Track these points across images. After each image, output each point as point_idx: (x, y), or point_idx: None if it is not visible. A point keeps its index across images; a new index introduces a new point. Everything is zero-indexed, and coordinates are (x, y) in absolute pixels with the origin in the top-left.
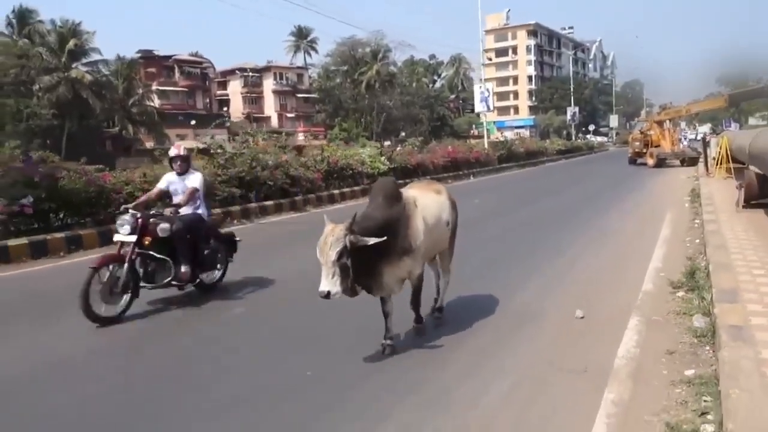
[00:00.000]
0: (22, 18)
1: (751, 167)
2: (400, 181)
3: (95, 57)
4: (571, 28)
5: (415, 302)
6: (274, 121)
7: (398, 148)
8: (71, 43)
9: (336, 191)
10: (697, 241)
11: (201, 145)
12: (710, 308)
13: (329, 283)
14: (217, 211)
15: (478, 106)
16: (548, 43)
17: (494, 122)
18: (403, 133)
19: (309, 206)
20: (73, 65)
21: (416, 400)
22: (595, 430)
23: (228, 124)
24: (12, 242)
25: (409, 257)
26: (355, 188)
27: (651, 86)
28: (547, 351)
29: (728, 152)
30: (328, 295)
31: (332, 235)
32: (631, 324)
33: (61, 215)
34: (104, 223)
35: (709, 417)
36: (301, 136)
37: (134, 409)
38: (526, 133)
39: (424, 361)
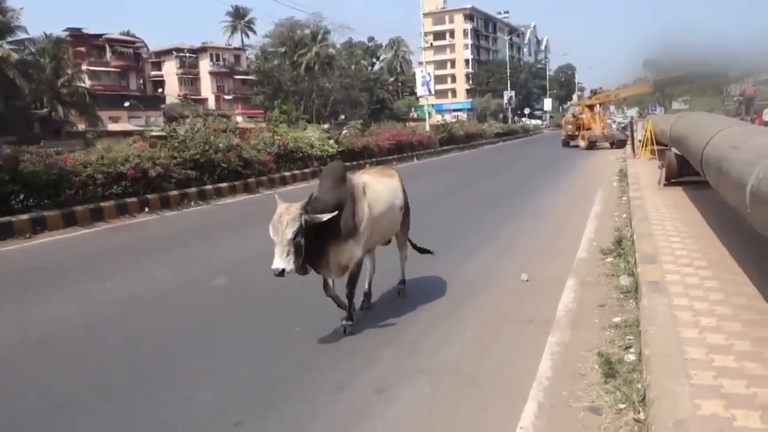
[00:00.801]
0: None
1: (672, 149)
2: (348, 164)
3: (21, 36)
4: (506, 12)
5: (350, 288)
6: (212, 103)
7: (344, 131)
8: None
9: (287, 173)
10: (624, 215)
11: (155, 131)
12: (634, 269)
13: (283, 261)
14: (174, 193)
15: (420, 90)
16: (484, 27)
17: (432, 105)
18: (342, 116)
19: (261, 188)
20: None
21: (393, 349)
22: (542, 363)
23: (163, 106)
24: None
25: (352, 240)
26: (305, 170)
27: (583, 70)
28: (498, 308)
29: (652, 135)
30: (282, 273)
31: (288, 214)
32: (569, 284)
33: (22, 197)
34: (65, 205)
35: (632, 350)
36: (239, 118)
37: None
38: (463, 116)
39: (395, 320)
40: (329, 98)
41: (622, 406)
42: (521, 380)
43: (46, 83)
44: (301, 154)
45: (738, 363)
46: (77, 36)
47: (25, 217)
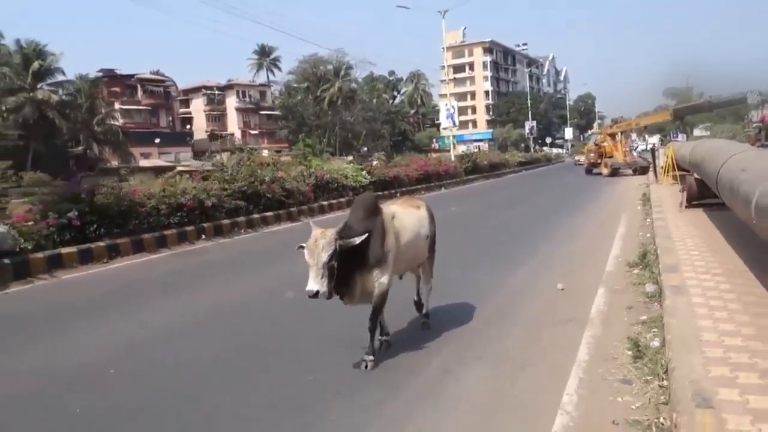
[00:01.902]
0: None
1: (692, 173)
2: (379, 193)
3: (59, 77)
4: (525, 44)
5: (373, 321)
6: (238, 138)
7: (375, 162)
8: (36, 65)
9: (325, 203)
10: (648, 235)
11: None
12: (658, 278)
13: (318, 283)
14: (226, 221)
15: (444, 122)
16: (503, 59)
17: (454, 136)
18: (365, 148)
19: (302, 216)
20: (38, 86)
21: (453, 343)
22: (580, 351)
23: (192, 141)
24: (64, 250)
25: (378, 269)
26: (341, 200)
27: (602, 99)
28: (540, 311)
29: (674, 161)
30: (316, 294)
31: (323, 238)
32: (599, 292)
33: (96, 227)
34: (134, 233)
35: (656, 339)
36: (265, 152)
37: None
38: (485, 146)
39: (452, 321)
40: (352, 131)
41: (648, 377)
42: (563, 363)
43: (82, 122)
44: (336, 185)
45: (744, 343)
46: (110, 76)
47: (102, 244)
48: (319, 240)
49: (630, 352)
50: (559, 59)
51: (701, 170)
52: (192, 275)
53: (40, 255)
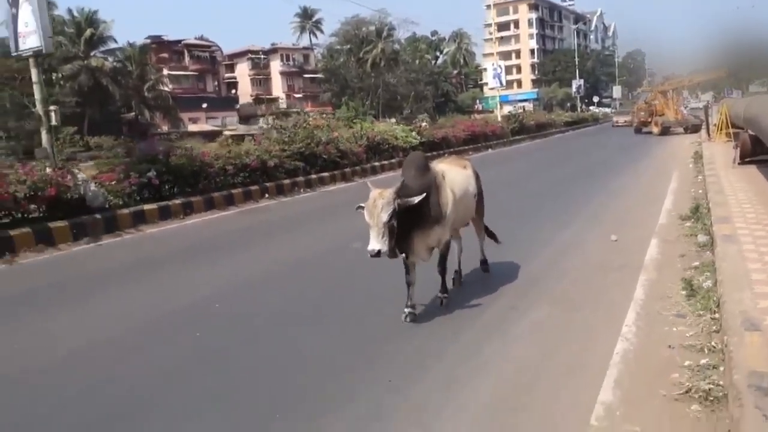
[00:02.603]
0: None
1: (746, 130)
2: (428, 154)
3: (111, 45)
4: (571, 0)
5: (442, 267)
6: (283, 102)
7: (423, 124)
8: (88, 32)
9: (377, 163)
10: (700, 190)
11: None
12: (710, 229)
13: (379, 242)
14: (287, 181)
15: (492, 82)
16: (549, 16)
17: (498, 97)
18: (407, 110)
19: (356, 177)
20: (91, 53)
21: (517, 283)
22: (636, 292)
23: (237, 106)
24: (146, 207)
25: (438, 225)
26: (392, 161)
27: (653, 56)
28: (595, 259)
29: (727, 118)
30: (378, 254)
31: (382, 198)
32: (652, 243)
33: (170, 186)
34: (204, 192)
35: (708, 280)
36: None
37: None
38: (529, 106)
39: (515, 265)
40: (394, 93)
41: (701, 312)
42: (621, 301)
43: (133, 88)
44: (387, 146)
45: None
46: (158, 42)
47: (177, 201)
48: (377, 200)
49: (684, 292)
50: (608, 14)
51: (756, 126)
52: (261, 231)
53: (125, 211)
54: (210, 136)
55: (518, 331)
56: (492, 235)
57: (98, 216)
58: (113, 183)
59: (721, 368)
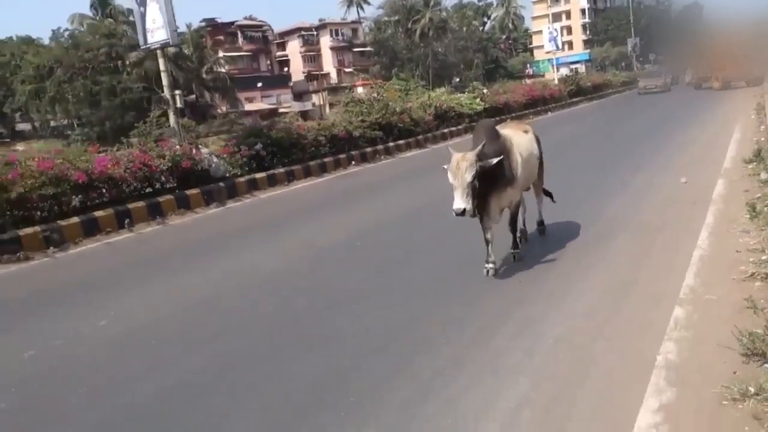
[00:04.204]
0: (104, 1)
1: None
2: (492, 118)
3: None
4: None
5: (513, 226)
6: (333, 77)
7: (485, 90)
8: None
9: (446, 130)
10: (762, 138)
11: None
12: None
13: (464, 201)
14: (369, 149)
15: (548, 45)
16: None
17: (548, 60)
18: (457, 79)
19: (428, 143)
20: None
21: (612, 210)
22: (707, 218)
23: (291, 83)
24: (257, 175)
25: (510, 187)
26: (459, 127)
27: (711, 9)
28: (669, 195)
29: None
30: (463, 212)
31: (465, 161)
32: (719, 183)
33: (270, 157)
34: (302, 161)
35: None
36: (360, 89)
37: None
38: (582, 68)
39: (593, 208)
40: (444, 62)
41: (763, 228)
42: (694, 225)
43: (194, 71)
44: (453, 114)
45: None
46: (212, 25)
47: (282, 170)
48: (461, 162)
49: (747, 216)
50: None
51: None
52: (356, 194)
53: (242, 179)
54: (267, 114)
55: (607, 255)
56: (549, 194)
57: (222, 184)
58: (228, 156)
59: None
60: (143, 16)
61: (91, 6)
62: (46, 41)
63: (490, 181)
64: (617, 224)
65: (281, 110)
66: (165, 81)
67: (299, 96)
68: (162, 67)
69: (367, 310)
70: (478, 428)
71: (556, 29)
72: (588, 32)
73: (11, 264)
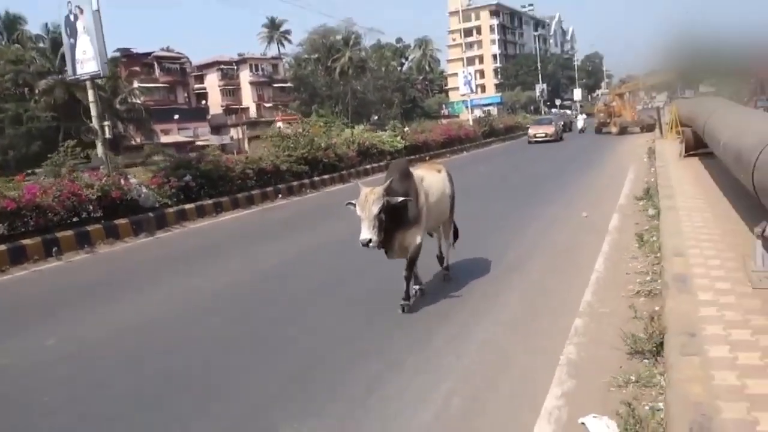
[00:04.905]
0: (10, 25)
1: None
2: (411, 157)
3: None
4: (531, 5)
5: (409, 272)
6: (253, 112)
7: (406, 129)
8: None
9: (368, 166)
10: (652, 179)
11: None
12: (659, 205)
13: (370, 232)
14: (295, 183)
15: (462, 89)
16: (510, 21)
17: (463, 102)
18: (375, 117)
19: (351, 178)
20: (65, 68)
21: (527, 235)
22: (604, 245)
23: (209, 117)
24: (186, 206)
25: (415, 226)
26: (381, 164)
27: (610, 58)
28: (575, 227)
29: (677, 118)
30: (368, 243)
31: (373, 194)
32: (614, 217)
33: (202, 189)
34: (230, 193)
35: (654, 236)
36: (279, 124)
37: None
38: (494, 110)
39: (511, 231)
40: (363, 100)
41: (648, 255)
42: (593, 252)
43: (106, 101)
44: (375, 150)
45: (707, 230)
46: (128, 55)
47: (210, 201)
48: (369, 195)
49: (636, 244)
50: (566, 19)
51: (695, 124)
52: (284, 225)
53: (171, 210)
54: (182, 147)
55: (522, 272)
56: (455, 234)
57: (151, 214)
58: (156, 187)
59: (659, 280)
60: (73, 47)
61: None
62: None
63: (395, 219)
64: (531, 249)
65: (198, 143)
66: (94, 111)
67: (217, 129)
68: (91, 98)
69: (308, 324)
70: (417, 413)
71: (470, 73)
72: (499, 76)
73: None
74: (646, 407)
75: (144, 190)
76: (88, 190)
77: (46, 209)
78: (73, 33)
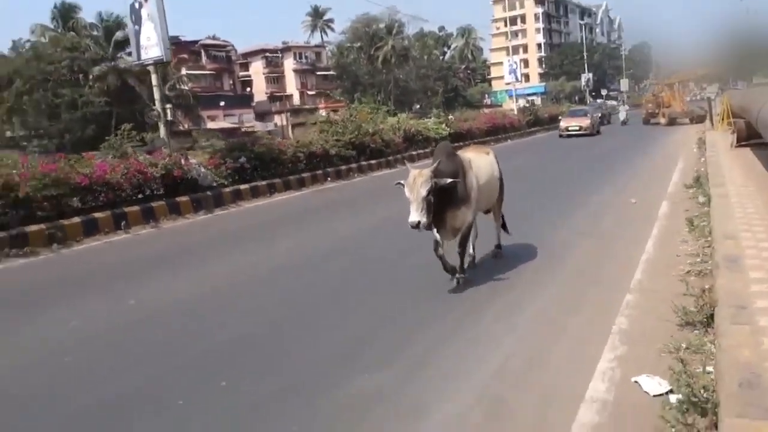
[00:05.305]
0: (66, 13)
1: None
2: (454, 144)
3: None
4: None
5: (462, 248)
6: (296, 99)
7: (450, 117)
8: (118, 35)
9: (414, 152)
10: (702, 168)
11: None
12: (708, 192)
13: (419, 215)
14: (343, 167)
15: (508, 77)
16: (555, 10)
17: (506, 91)
18: (417, 105)
19: (397, 164)
20: (118, 55)
21: (569, 228)
22: (653, 232)
23: (253, 104)
24: (241, 187)
25: (465, 206)
26: (426, 150)
27: (659, 48)
28: (623, 214)
29: (729, 109)
30: (418, 225)
31: (421, 177)
32: (663, 204)
33: (256, 170)
34: (282, 175)
35: (704, 221)
36: (323, 112)
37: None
38: (537, 100)
39: (563, 215)
40: (405, 89)
41: (698, 239)
42: (642, 235)
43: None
44: (420, 137)
45: (758, 214)
46: (176, 43)
47: (263, 183)
48: (417, 178)
49: (687, 228)
50: (613, 8)
51: (748, 114)
52: (333, 207)
53: (227, 190)
54: (228, 132)
55: (573, 253)
56: (504, 226)
57: (209, 193)
58: (214, 167)
59: (709, 261)
60: (138, 33)
61: (53, 18)
62: (5, 52)
63: (445, 199)
64: (579, 231)
65: (243, 129)
66: (157, 95)
67: (261, 116)
68: (155, 82)
69: (370, 295)
70: (480, 369)
71: (516, 62)
72: (544, 66)
73: (19, 258)
74: (698, 369)
75: (202, 170)
76: (152, 168)
77: (114, 186)
78: (138, 20)
